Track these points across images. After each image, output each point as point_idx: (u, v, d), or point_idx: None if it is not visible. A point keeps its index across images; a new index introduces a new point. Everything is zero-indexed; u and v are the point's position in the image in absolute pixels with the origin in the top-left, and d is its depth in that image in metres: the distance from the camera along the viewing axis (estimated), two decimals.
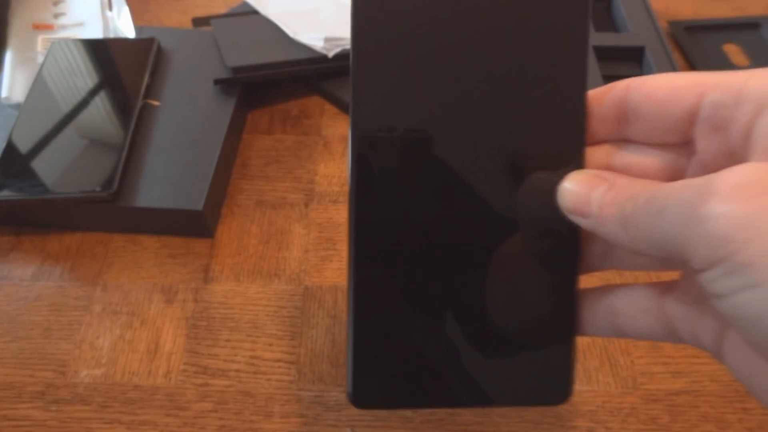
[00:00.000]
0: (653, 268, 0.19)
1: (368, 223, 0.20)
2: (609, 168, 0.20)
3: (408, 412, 0.32)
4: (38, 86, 0.44)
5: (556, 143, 0.20)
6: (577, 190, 0.18)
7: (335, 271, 0.39)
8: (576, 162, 0.20)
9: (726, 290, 0.14)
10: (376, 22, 0.19)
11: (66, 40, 0.47)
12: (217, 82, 0.45)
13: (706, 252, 0.14)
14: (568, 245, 0.20)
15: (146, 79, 0.45)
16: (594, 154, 0.20)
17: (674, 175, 0.19)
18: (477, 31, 0.19)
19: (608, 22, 0.55)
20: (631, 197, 0.16)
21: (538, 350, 0.21)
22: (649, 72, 0.48)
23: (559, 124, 0.20)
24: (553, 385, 0.21)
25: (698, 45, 0.53)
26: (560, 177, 0.19)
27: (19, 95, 0.45)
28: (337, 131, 0.47)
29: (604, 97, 0.19)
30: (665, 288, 0.19)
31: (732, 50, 0.52)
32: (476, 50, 0.19)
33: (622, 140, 0.20)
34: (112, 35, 0.50)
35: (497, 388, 0.21)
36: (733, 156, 0.17)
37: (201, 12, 0.56)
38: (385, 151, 0.20)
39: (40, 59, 0.47)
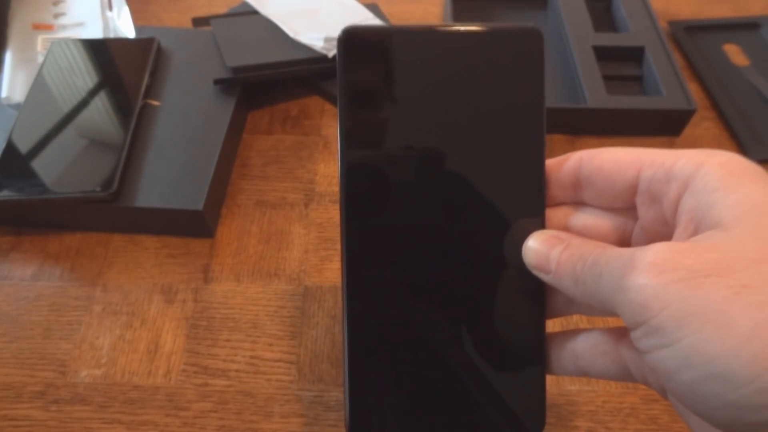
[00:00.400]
0: (608, 315, 0.21)
1: (358, 264, 0.23)
2: (566, 228, 0.23)
3: None
4: (38, 86, 0.44)
5: (521, 205, 0.22)
6: (538, 249, 0.21)
7: (335, 271, 0.39)
8: (538, 222, 0.22)
9: (647, 348, 0.17)
10: (360, 70, 0.22)
11: (66, 40, 0.47)
12: (217, 82, 0.45)
13: (631, 315, 0.17)
14: (534, 293, 0.22)
15: (146, 79, 0.45)
16: (554, 214, 0.23)
17: (623, 235, 0.22)
18: (452, 105, 0.22)
19: (608, 22, 0.55)
20: (581, 258, 0.19)
21: (516, 386, 0.23)
22: (650, 72, 0.48)
23: (523, 189, 0.22)
24: (530, 417, 0.23)
25: (698, 45, 0.53)
26: (525, 234, 0.21)
27: (19, 95, 0.45)
28: (336, 131, 0.47)
29: (562, 165, 0.22)
30: (620, 333, 0.21)
31: (732, 50, 0.52)
32: (450, 117, 0.22)
33: (578, 203, 0.23)
34: (112, 35, 0.50)
35: (482, 422, 0.23)
36: (666, 224, 0.20)
37: (201, 12, 0.56)
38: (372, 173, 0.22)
39: (40, 59, 0.47)
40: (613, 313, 0.18)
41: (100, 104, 0.43)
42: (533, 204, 0.22)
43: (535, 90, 0.22)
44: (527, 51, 0.22)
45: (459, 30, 0.22)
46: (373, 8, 0.53)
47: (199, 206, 0.38)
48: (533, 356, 0.23)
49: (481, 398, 0.23)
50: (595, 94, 0.45)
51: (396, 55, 0.22)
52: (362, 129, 0.22)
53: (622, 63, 0.50)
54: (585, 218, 0.22)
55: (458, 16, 0.54)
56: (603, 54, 0.49)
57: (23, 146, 0.40)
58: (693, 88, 0.50)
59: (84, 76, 0.44)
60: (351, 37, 0.22)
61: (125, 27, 0.51)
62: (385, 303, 0.23)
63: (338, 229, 0.40)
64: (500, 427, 0.23)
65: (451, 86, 0.22)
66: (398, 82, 0.22)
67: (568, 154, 0.22)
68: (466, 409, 0.23)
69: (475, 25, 0.22)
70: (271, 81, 0.47)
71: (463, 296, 0.23)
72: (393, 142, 0.22)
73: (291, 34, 0.47)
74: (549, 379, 0.23)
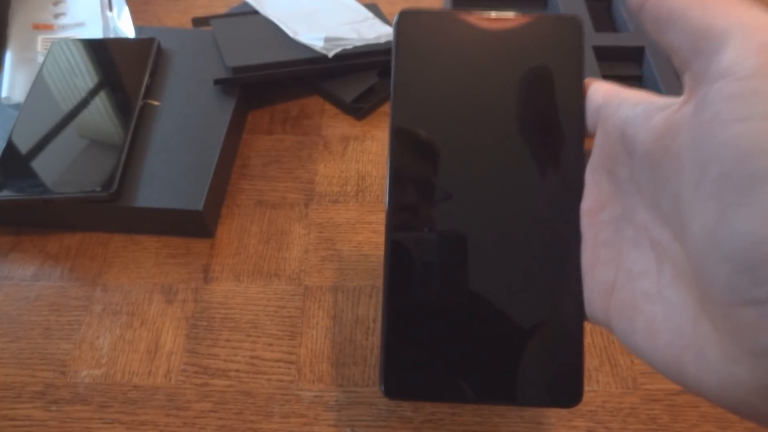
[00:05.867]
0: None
1: (402, 243, 0.23)
2: None
3: (408, 412, 0.32)
4: (38, 86, 0.44)
5: (564, 180, 0.23)
6: None
7: (335, 271, 0.39)
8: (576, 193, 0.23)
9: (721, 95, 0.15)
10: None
11: (66, 40, 0.47)
12: (217, 82, 0.45)
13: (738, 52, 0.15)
14: (574, 253, 0.22)
15: (146, 79, 0.45)
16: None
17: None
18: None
19: (608, 22, 0.55)
20: None
21: (553, 356, 0.22)
22: (650, 72, 0.48)
23: (564, 166, 0.23)
24: (567, 388, 0.22)
25: None
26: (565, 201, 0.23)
27: (19, 95, 0.45)
28: (337, 131, 0.47)
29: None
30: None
31: None
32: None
33: None
34: (112, 35, 0.50)
35: (516, 388, 0.22)
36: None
37: (201, 12, 0.56)
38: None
39: (40, 59, 0.47)
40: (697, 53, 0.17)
41: (100, 104, 0.43)
42: (575, 180, 0.23)
43: (575, 69, 0.23)
44: (568, 36, 0.23)
45: (506, 17, 0.24)
46: (373, 8, 0.53)
47: (199, 206, 0.38)
48: (571, 326, 0.22)
49: (518, 364, 0.22)
50: None
51: (448, 39, 0.24)
52: (412, 102, 0.24)
53: (622, 63, 0.50)
54: None
55: None
56: (603, 54, 0.49)
57: (23, 146, 0.40)
58: None
59: (84, 76, 0.44)
60: (406, 20, 0.24)
61: (125, 27, 0.51)
62: (423, 260, 0.23)
63: (338, 229, 0.41)
64: (538, 396, 0.22)
65: (497, 68, 0.23)
66: (449, 63, 0.24)
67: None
68: (502, 374, 0.22)
69: (520, 14, 0.24)
70: (271, 81, 0.47)
71: (503, 259, 0.23)
72: (441, 112, 0.23)
73: (291, 34, 0.47)
74: None
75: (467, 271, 0.23)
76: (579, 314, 0.22)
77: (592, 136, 0.22)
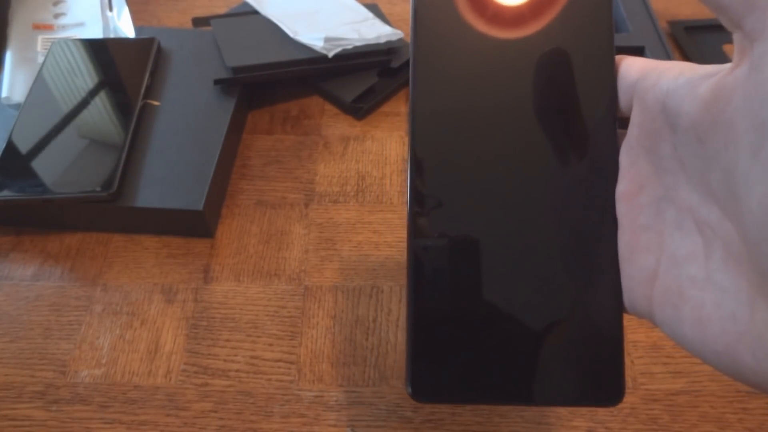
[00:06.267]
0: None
1: (425, 226, 0.22)
2: None
3: (408, 412, 0.32)
4: (38, 86, 0.44)
5: (596, 154, 0.21)
6: None
7: (335, 271, 0.39)
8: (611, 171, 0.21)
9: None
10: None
11: (66, 40, 0.47)
12: (217, 82, 0.45)
13: None
14: (611, 251, 0.21)
15: (146, 79, 0.45)
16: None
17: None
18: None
19: None
20: None
21: (592, 351, 0.21)
22: None
23: (597, 134, 0.21)
24: (608, 386, 0.21)
25: (698, 45, 0.53)
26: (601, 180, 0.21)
27: (19, 95, 0.45)
28: (337, 131, 0.47)
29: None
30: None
31: (732, 50, 0.52)
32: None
33: None
34: (112, 35, 0.50)
35: (553, 388, 0.21)
36: None
37: (201, 12, 0.56)
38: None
39: (40, 59, 0.47)
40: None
41: (100, 104, 0.43)
42: (609, 163, 0.21)
43: (606, 45, 0.22)
44: (597, 10, 0.22)
45: None
46: (373, 8, 0.53)
47: (199, 206, 0.38)
48: (610, 320, 0.21)
49: (554, 363, 0.21)
50: None
51: (469, 14, 0.22)
52: (435, 87, 0.22)
53: None
54: None
55: None
56: None
57: (23, 146, 0.40)
58: None
59: (84, 76, 0.44)
60: None
61: (125, 27, 0.51)
62: (449, 259, 0.22)
63: (338, 229, 0.41)
64: (577, 395, 0.21)
65: (522, 46, 0.22)
66: (471, 41, 0.22)
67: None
68: (537, 374, 0.21)
69: None
70: (271, 81, 0.47)
71: (534, 253, 0.21)
72: (466, 97, 0.22)
73: (291, 34, 0.47)
74: None
75: (496, 267, 0.21)
76: (618, 306, 0.21)
77: (627, 115, 0.21)
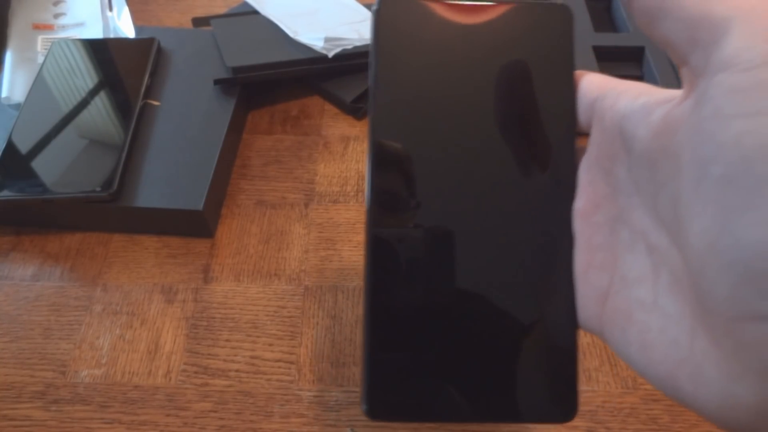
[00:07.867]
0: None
1: (383, 248, 0.22)
2: None
3: None
4: (38, 86, 0.44)
5: (554, 173, 0.22)
6: None
7: (335, 271, 0.39)
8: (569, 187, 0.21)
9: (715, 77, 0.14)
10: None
11: (66, 40, 0.47)
12: (217, 82, 0.45)
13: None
14: (566, 265, 0.21)
15: (146, 79, 0.45)
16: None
17: None
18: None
19: (608, 22, 0.55)
20: None
21: (545, 368, 0.21)
22: (650, 72, 0.48)
23: (556, 158, 0.22)
24: (560, 403, 0.21)
25: None
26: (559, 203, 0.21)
27: (19, 95, 0.45)
28: (337, 131, 0.47)
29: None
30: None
31: None
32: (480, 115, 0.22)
33: None
34: (112, 35, 0.50)
35: (508, 404, 0.21)
36: None
37: (201, 12, 0.56)
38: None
39: (40, 59, 0.47)
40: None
41: (100, 104, 0.43)
42: (567, 179, 0.22)
43: (565, 60, 0.22)
44: (558, 26, 0.22)
45: (492, 4, 0.23)
46: None
47: (199, 206, 0.38)
48: (565, 336, 0.21)
49: (509, 378, 0.21)
50: None
51: (431, 28, 0.22)
52: (394, 96, 0.22)
53: (622, 63, 0.50)
54: None
55: None
56: (603, 54, 0.49)
57: (23, 146, 0.40)
58: None
59: (84, 76, 0.44)
60: (387, 8, 0.23)
61: (125, 27, 0.51)
62: (405, 269, 0.22)
63: (338, 229, 0.41)
64: (528, 412, 0.21)
65: (482, 60, 0.22)
66: (432, 54, 0.22)
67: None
68: (493, 389, 0.21)
69: (507, 1, 0.23)
70: (271, 81, 0.47)
71: (490, 265, 0.21)
72: (425, 107, 0.22)
73: (291, 34, 0.47)
74: None
75: (452, 282, 0.21)
76: (572, 322, 0.21)
77: (586, 132, 0.21)
